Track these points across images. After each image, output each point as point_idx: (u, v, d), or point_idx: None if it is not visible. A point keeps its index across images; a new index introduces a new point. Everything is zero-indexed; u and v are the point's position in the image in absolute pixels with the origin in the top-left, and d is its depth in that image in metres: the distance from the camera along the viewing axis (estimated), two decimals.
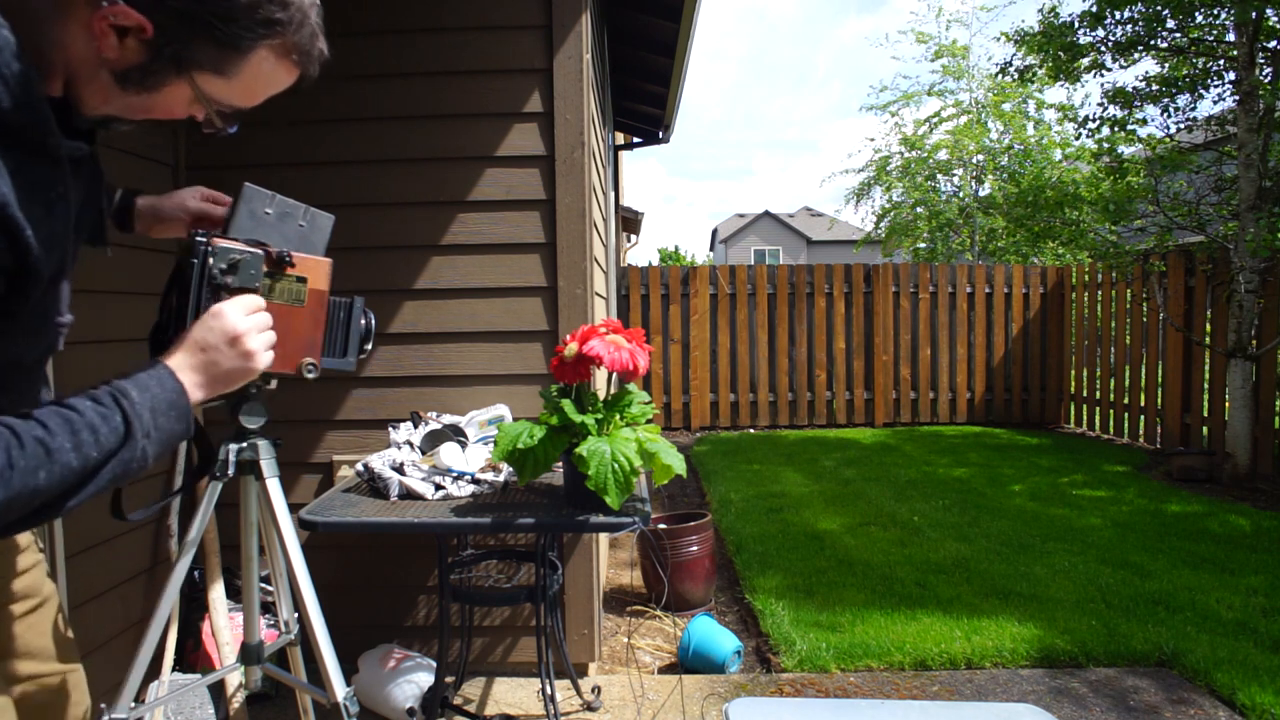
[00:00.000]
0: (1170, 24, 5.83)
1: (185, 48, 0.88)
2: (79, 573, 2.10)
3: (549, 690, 2.12)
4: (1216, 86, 5.96)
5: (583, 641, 2.64)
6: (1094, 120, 6.27)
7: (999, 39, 7.50)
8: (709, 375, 8.30)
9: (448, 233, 2.63)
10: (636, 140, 7.84)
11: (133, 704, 1.35)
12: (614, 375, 1.79)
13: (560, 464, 1.88)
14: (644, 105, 6.53)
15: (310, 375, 1.32)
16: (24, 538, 1.16)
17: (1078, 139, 6.70)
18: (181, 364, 0.96)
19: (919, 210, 14.97)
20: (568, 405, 1.77)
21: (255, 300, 1.08)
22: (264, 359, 1.04)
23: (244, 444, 1.40)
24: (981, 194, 14.15)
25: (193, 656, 2.47)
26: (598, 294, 3.22)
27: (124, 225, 1.31)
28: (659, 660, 2.99)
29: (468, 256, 2.63)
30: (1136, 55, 6.17)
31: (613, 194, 6.18)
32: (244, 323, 1.02)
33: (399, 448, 2.19)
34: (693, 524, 3.44)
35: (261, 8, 0.90)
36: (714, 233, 40.46)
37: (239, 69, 0.93)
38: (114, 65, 0.87)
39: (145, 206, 1.31)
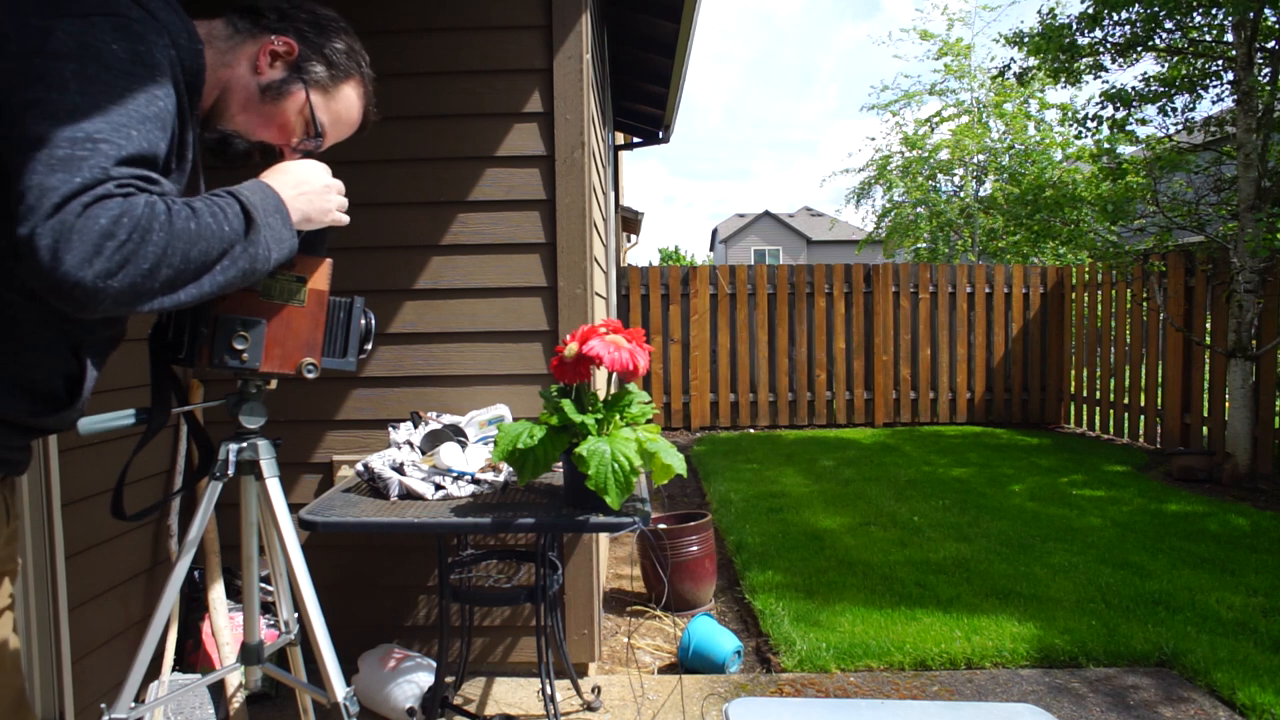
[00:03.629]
0: (1168, 25, 5.83)
1: (309, 64, 1.22)
2: (79, 573, 2.10)
3: (549, 690, 2.12)
4: (1215, 87, 5.97)
5: (583, 641, 2.64)
6: (1093, 121, 6.27)
7: (999, 40, 7.48)
8: (709, 375, 8.30)
9: (448, 233, 2.63)
10: (636, 140, 7.85)
11: (133, 704, 1.35)
12: (614, 375, 1.79)
13: (560, 464, 1.88)
14: (644, 105, 6.53)
15: (310, 375, 1.32)
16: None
17: (1078, 139, 6.70)
18: (278, 183, 1.15)
19: (920, 210, 14.97)
20: (568, 405, 1.77)
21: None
22: (343, 218, 1.27)
23: (244, 444, 1.40)
24: (982, 194, 14.16)
25: (193, 656, 2.47)
26: (598, 294, 3.22)
27: None
28: (659, 660, 2.99)
29: (468, 256, 2.63)
30: (1135, 56, 6.17)
31: (613, 194, 6.18)
32: (330, 177, 1.25)
33: (399, 448, 2.18)
34: (693, 524, 3.44)
35: (356, 49, 1.29)
36: (714, 233, 40.45)
37: (337, 89, 1.26)
38: (260, 80, 1.19)
39: None
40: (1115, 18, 5.94)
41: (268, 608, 2.34)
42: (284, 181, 1.16)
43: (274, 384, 1.43)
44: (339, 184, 1.26)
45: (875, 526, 4.50)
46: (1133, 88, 6.19)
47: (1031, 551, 4.02)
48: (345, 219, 1.27)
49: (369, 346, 1.45)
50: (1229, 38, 5.70)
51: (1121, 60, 6.23)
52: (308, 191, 1.19)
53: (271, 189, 1.12)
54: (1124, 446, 7.08)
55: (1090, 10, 5.97)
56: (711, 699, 2.52)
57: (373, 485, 2.02)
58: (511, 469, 2.03)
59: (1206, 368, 6.33)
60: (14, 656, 1.15)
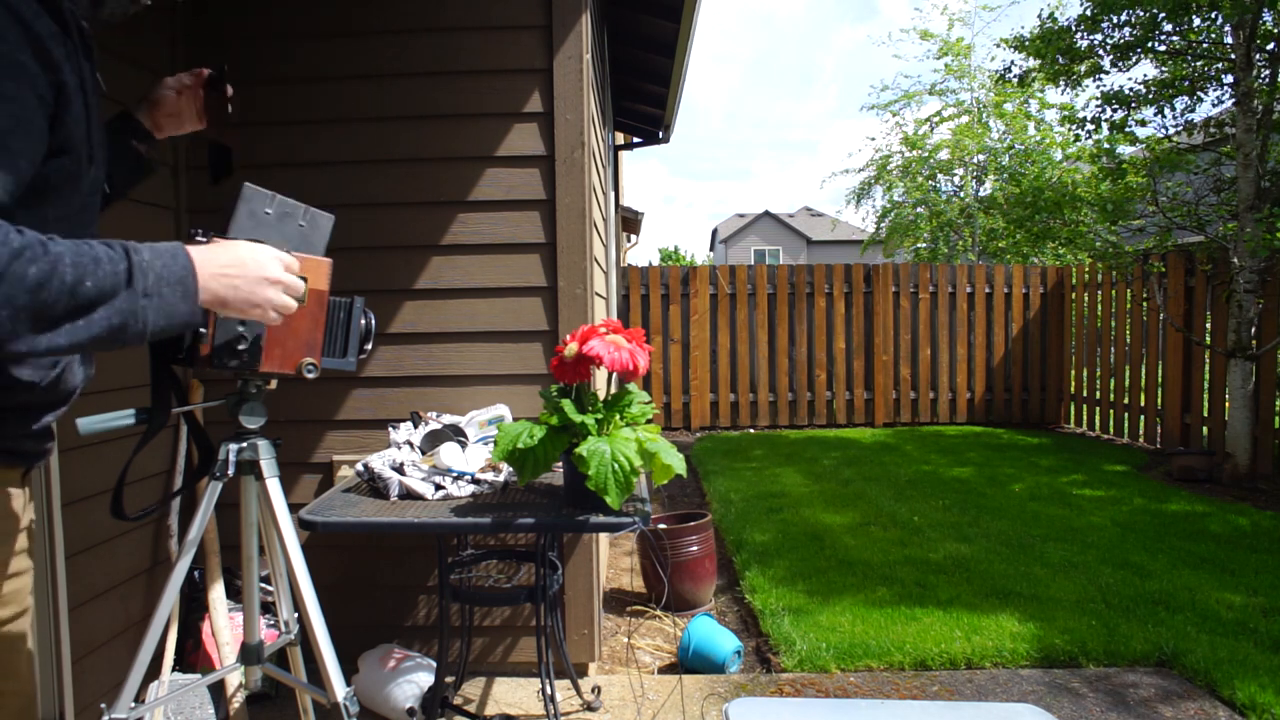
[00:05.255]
0: (1167, 27, 5.83)
1: None
2: (79, 573, 2.10)
3: (549, 690, 2.12)
4: (1215, 89, 5.97)
5: (583, 641, 2.64)
6: (1091, 124, 6.27)
7: (999, 45, 7.47)
8: (709, 375, 8.30)
9: (448, 233, 2.63)
10: (636, 140, 7.84)
11: (133, 704, 1.35)
12: (614, 375, 1.79)
13: (560, 464, 1.88)
14: (644, 105, 6.53)
15: (310, 375, 1.32)
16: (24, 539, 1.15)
17: (1077, 140, 6.70)
18: (202, 257, 1.01)
19: (920, 210, 14.97)
20: (568, 405, 1.77)
21: (295, 265, 1.14)
22: (272, 315, 1.10)
23: (244, 444, 1.40)
24: (982, 194, 14.15)
25: (193, 656, 2.47)
26: (598, 294, 3.22)
27: (135, 135, 1.32)
28: (659, 660, 2.99)
29: (468, 256, 2.63)
30: (1135, 58, 6.17)
31: (613, 194, 6.18)
32: (279, 272, 1.09)
33: (399, 448, 2.19)
34: (693, 524, 3.44)
35: None
36: (714, 233, 40.45)
37: None
38: None
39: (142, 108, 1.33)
40: (1114, 20, 5.95)
41: (268, 608, 2.34)
42: (214, 257, 1.03)
43: (274, 384, 1.43)
44: (293, 281, 1.12)
45: (875, 526, 4.50)
46: (1130, 90, 6.20)
47: (1031, 551, 4.02)
48: (276, 319, 1.11)
49: (369, 346, 1.45)
50: (1228, 40, 5.70)
51: (1121, 63, 6.23)
52: (236, 277, 1.04)
53: (187, 259, 0.98)
54: (1124, 446, 7.08)
55: (1089, 13, 5.97)
56: (711, 699, 2.52)
57: (373, 485, 2.02)
58: (511, 469, 2.03)
59: (1206, 368, 6.33)
60: (29, 662, 1.15)
